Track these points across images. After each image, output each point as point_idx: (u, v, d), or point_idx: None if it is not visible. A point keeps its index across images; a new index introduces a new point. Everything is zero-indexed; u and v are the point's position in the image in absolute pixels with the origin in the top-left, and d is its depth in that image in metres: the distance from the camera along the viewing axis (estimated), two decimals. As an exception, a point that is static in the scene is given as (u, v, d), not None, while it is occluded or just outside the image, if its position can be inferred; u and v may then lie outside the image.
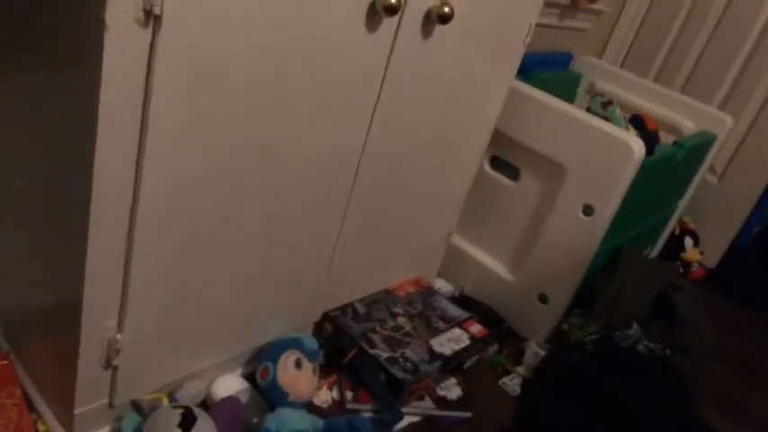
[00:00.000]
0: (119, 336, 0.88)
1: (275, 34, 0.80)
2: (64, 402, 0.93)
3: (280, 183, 0.96)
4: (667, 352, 1.46)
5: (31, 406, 0.98)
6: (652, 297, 1.54)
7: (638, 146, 1.26)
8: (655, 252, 1.95)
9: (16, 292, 1.03)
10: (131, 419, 0.93)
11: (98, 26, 0.65)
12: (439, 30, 1.03)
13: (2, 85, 0.91)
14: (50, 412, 0.97)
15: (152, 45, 0.70)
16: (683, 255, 2.02)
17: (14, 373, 1.00)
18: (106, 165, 0.73)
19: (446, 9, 0.97)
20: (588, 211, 1.34)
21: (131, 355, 0.91)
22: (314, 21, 0.84)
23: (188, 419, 0.89)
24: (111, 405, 0.95)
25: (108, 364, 0.90)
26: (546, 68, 1.72)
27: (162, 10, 0.68)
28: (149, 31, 0.69)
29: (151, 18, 0.68)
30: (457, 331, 1.34)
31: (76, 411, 0.91)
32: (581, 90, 1.94)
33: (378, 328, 1.27)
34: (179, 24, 0.70)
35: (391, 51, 0.98)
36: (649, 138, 1.47)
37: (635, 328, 1.44)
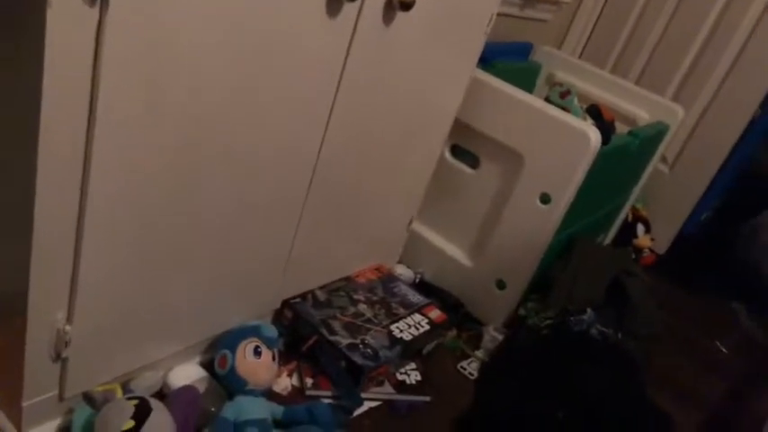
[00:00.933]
0: (68, 327, 0.85)
1: (231, 19, 0.78)
2: (11, 395, 0.89)
3: (237, 171, 0.94)
4: (619, 336, 1.51)
5: (-24, 399, 0.94)
6: (606, 283, 1.58)
7: (594, 135, 1.29)
8: (608, 238, 2.00)
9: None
10: (83, 412, 0.91)
11: (41, 3, 0.62)
12: (400, 17, 1.02)
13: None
14: (-3, 405, 0.94)
15: (99, 26, 0.67)
16: (635, 241, 2.08)
17: (-42, 365, 0.96)
18: (51, 150, 0.70)
19: (407, -5, 0.96)
20: (545, 199, 1.36)
21: (82, 347, 0.89)
22: (273, 5, 0.82)
23: (142, 411, 0.87)
24: (61, 397, 0.92)
25: (57, 357, 0.87)
26: (506, 58, 1.74)
27: (110, -12, 0.65)
28: (96, 9, 0.66)
29: (98, -3, 0.65)
30: (417, 317, 1.35)
31: (24, 404, 0.88)
32: (540, 80, 1.96)
33: (338, 315, 1.27)
34: (129, 4, 0.67)
35: (352, 38, 0.96)
36: (605, 127, 1.50)
37: (589, 313, 1.48)
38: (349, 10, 0.92)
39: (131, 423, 0.84)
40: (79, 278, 0.82)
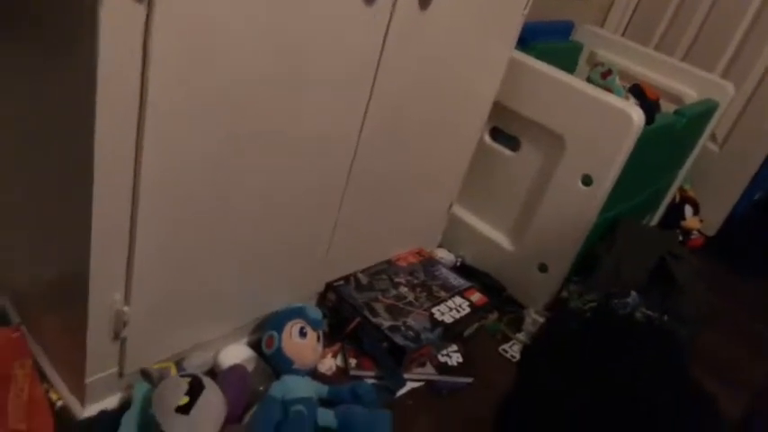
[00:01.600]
0: (126, 308, 0.90)
1: (273, 9, 0.81)
2: (75, 372, 0.96)
3: (280, 158, 0.97)
4: (665, 319, 1.49)
5: (43, 376, 1.01)
6: (650, 265, 1.56)
7: (637, 115, 1.27)
8: (655, 220, 1.96)
9: (26, 265, 1.06)
10: (141, 387, 0.96)
11: (92, 2, 0.65)
12: (437, 1, 1.02)
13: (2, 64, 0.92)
14: (62, 382, 1.01)
15: (147, 21, 0.70)
16: (683, 223, 2.03)
17: (26, 344, 1.03)
18: (106, 142, 0.74)
19: (444, -21, 0.97)
20: (587, 181, 1.35)
21: (139, 327, 0.94)
22: (311, -7, 0.84)
23: (196, 387, 0.91)
24: (120, 374, 0.98)
25: (116, 336, 0.92)
26: (546, 38, 1.71)
27: (157, -15, 0.68)
28: (144, 5, 0.69)
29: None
30: (458, 300, 1.37)
31: (87, 380, 0.94)
32: (582, 60, 1.93)
33: (380, 298, 1.29)
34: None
35: (389, 23, 0.98)
36: (650, 107, 1.47)
37: (633, 296, 1.46)
38: (386, -4, 0.94)
39: (186, 399, 0.89)
40: (135, 261, 0.86)
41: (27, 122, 0.90)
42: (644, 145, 1.33)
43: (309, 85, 0.93)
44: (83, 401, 0.97)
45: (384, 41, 0.99)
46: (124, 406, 0.97)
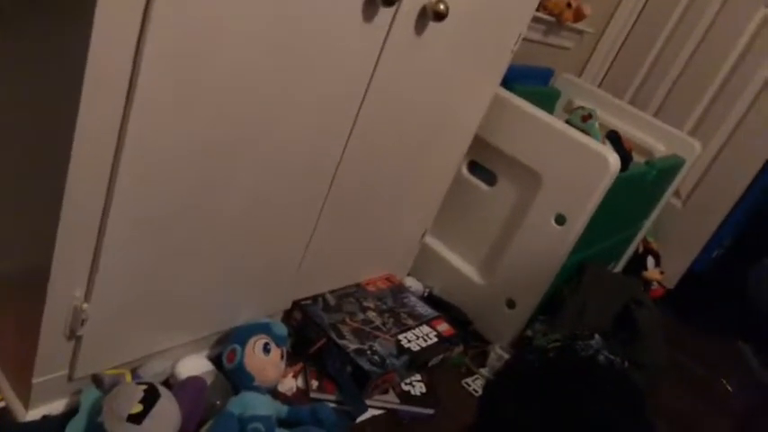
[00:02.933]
0: (85, 305, 0.86)
1: (270, 13, 0.80)
2: (21, 371, 0.90)
3: (260, 169, 0.95)
4: (625, 364, 1.50)
5: (-15, 374, 0.95)
6: (615, 310, 1.58)
7: (614, 160, 1.30)
8: (618, 268, 2.00)
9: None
10: (91, 393, 0.91)
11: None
12: (432, 27, 1.04)
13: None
14: (6, 381, 0.95)
15: (145, 12, 0.68)
16: (645, 273, 2.08)
17: (-30, 339, 0.97)
18: (88, 126, 0.72)
19: (441, 6, 0.98)
20: (560, 220, 1.37)
21: (96, 327, 0.89)
22: (311, 4, 0.84)
23: (150, 396, 0.87)
24: (70, 377, 0.92)
25: (72, 334, 0.88)
26: (527, 82, 1.76)
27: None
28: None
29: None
30: (425, 329, 1.35)
31: (34, 381, 0.88)
32: (559, 106, 1.98)
33: (347, 320, 1.27)
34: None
35: (384, 43, 0.98)
36: (624, 155, 1.51)
37: (596, 339, 1.47)
38: (384, 15, 0.94)
39: (140, 407, 0.84)
40: (101, 258, 0.82)
41: (9, 104, 0.86)
42: (616, 191, 1.36)
43: (298, 98, 0.92)
44: (26, 404, 0.91)
45: (377, 61, 0.99)
46: (69, 412, 0.92)
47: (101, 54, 0.68)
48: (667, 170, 1.72)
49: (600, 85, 2.20)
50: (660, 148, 1.83)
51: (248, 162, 0.92)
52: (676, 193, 2.11)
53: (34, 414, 0.91)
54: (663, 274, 2.11)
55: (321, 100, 0.96)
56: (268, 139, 0.92)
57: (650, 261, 2.11)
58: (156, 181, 0.82)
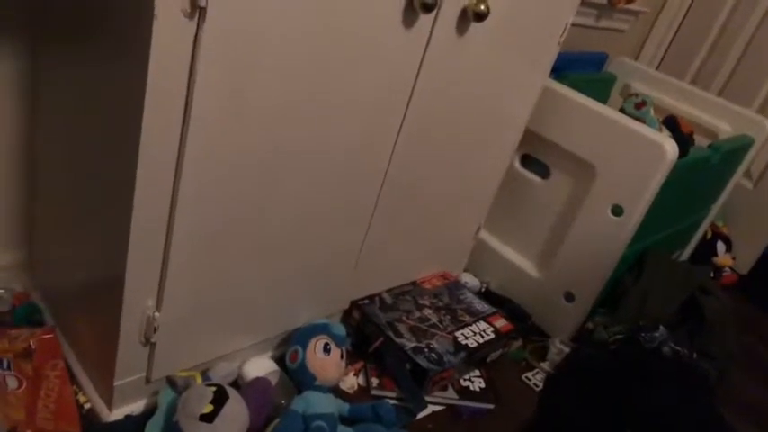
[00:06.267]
0: (157, 314, 0.92)
1: (313, 28, 0.83)
2: (104, 375, 0.98)
3: (313, 175, 0.99)
4: (693, 356, 1.46)
5: (72, 378, 1.03)
6: (680, 300, 1.53)
7: (670, 147, 1.26)
8: (685, 255, 1.93)
9: (62, 269, 1.09)
10: (167, 394, 0.98)
11: (148, 16, 0.69)
12: (474, 27, 1.04)
13: (57, 71, 0.97)
14: (91, 384, 1.03)
15: (196, 36, 0.73)
16: (715, 259, 2.00)
17: (58, 346, 1.06)
18: (150, 150, 0.77)
19: (482, 7, 0.99)
20: (617, 211, 1.34)
21: (168, 334, 0.95)
22: (352, 15, 0.86)
23: (220, 396, 0.92)
24: (148, 380, 0.99)
25: (146, 341, 0.94)
26: (580, 69, 1.72)
27: (207, 2, 0.71)
28: (194, 22, 0.72)
29: (197, 10, 0.71)
30: (482, 325, 1.36)
31: (116, 383, 0.96)
32: (615, 92, 1.93)
33: (404, 319, 1.30)
34: (222, 16, 0.73)
35: (426, 48, 1.00)
36: (683, 140, 1.46)
37: (661, 330, 1.43)
38: (424, 21, 0.96)
39: (210, 407, 0.90)
40: (169, 268, 0.88)
41: (79, 125, 0.94)
42: (676, 178, 1.32)
43: (347, 104, 0.95)
44: (110, 405, 0.98)
45: (420, 64, 1.01)
46: (149, 412, 0.99)
47: (158, 80, 0.73)
48: (734, 151, 1.65)
49: (658, 68, 2.12)
50: (726, 129, 1.76)
51: (301, 168, 0.96)
52: (747, 174, 2.01)
53: (117, 414, 0.99)
54: (734, 259, 2.02)
55: (367, 105, 0.98)
56: (318, 145, 0.96)
57: (720, 246, 2.03)
58: (214, 193, 0.87)
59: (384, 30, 0.92)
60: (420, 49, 0.99)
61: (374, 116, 1.01)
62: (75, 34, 0.89)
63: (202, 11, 0.71)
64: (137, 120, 0.75)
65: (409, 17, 0.93)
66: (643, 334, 1.43)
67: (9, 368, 0.96)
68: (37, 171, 1.09)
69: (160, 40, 0.70)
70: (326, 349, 1.11)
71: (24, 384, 0.95)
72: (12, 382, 0.94)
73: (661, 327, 1.45)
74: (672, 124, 1.57)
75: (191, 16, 0.72)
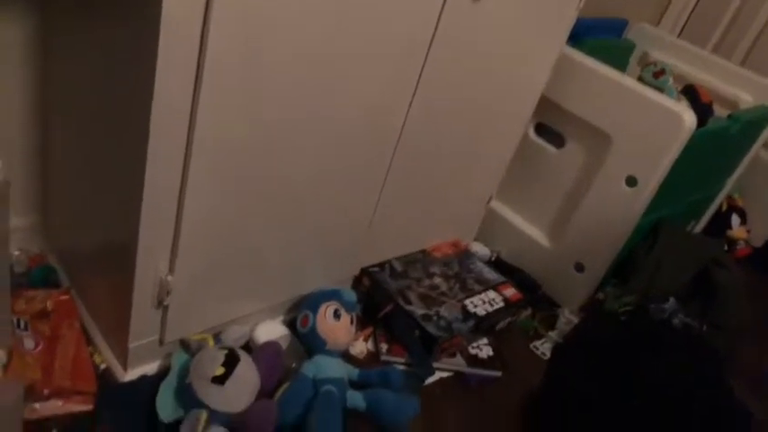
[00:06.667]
0: (170, 277, 0.93)
1: (327, -9, 0.82)
2: (119, 337, 1.00)
3: (325, 140, 0.98)
4: (704, 328, 1.45)
5: (89, 339, 1.05)
6: (692, 272, 1.52)
7: (688, 117, 1.24)
8: (699, 227, 1.91)
9: (77, 231, 1.10)
10: (180, 356, 1.00)
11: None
12: (490, -9, 1.02)
13: (68, 34, 0.96)
14: (106, 345, 1.05)
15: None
16: (729, 232, 1.98)
17: (74, 307, 1.08)
18: (162, 110, 0.77)
19: (499, -30, 0.96)
20: (632, 181, 1.33)
21: (181, 297, 0.97)
22: (366, -22, 0.85)
23: (231, 359, 0.94)
24: (161, 342, 1.01)
25: (159, 304, 0.96)
26: (599, 35, 1.68)
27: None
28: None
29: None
30: (491, 294, 1.36)
31: (130, 345, 0.98)
32: (633, 59, 1.88)
33: (414, 286, 1.30)
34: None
35: (440, 13, 0.98)
36: (702, 109, 1.44)
37: (671, 302, 1.43)
38: (440, -17, 0.94)
39: (222, 369, 0.92)
40: (181, 231, 0.89)
41: (91, 87, 0.94)
42: (694, 148, 1.30)
43: (358, 68, 0.94)
44: (125, 365, 1.01)
45: (435, 29, 0.99)
46: (163, 373, 1.01)
47: (172, 30, 0.71)
48: (754, 122, 1.61)
49: (679, 35, 2.07)
50: (747, 99, 1.71)
51: (313, 130, 0.95)
52: (766, 146, 1.97)
53: (132, 374, 1.02)
54: (749, 232, 2.00)
55: (380, 67, 0.96)
56: (330, 110, 0.95)
57: (735, 219, 2.00)
58: (227, 153, 0.87)
59: (398, -7, 0.90)
60: (434, 15, 0.97)
61: (389, 79, 0.99)
62: (86, -5, 0.89)
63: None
64: (149, 78, 0.74)
65: (424, -21, 0.91)
66: (653, 305, 1.43)
67: (26, 329, 0.98)
68: (51, 136, 1.09)
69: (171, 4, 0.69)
70: (337, 315, 1.12)
71: (41, 344, 0.97)
72: (29, 343, 0.96)
73: (671, 298, 1.44)
74: (691, 93, 1.54)
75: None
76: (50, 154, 1.11)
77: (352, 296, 1.17)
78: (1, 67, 1.00)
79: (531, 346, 1.39)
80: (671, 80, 1.58)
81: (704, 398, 1.22)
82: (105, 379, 1.00)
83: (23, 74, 1.03)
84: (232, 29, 0.76)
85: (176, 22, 0.71)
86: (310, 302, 1.14)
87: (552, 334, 1.42)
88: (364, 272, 1.30)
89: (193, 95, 0.78)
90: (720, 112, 1.64)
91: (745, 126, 1.53)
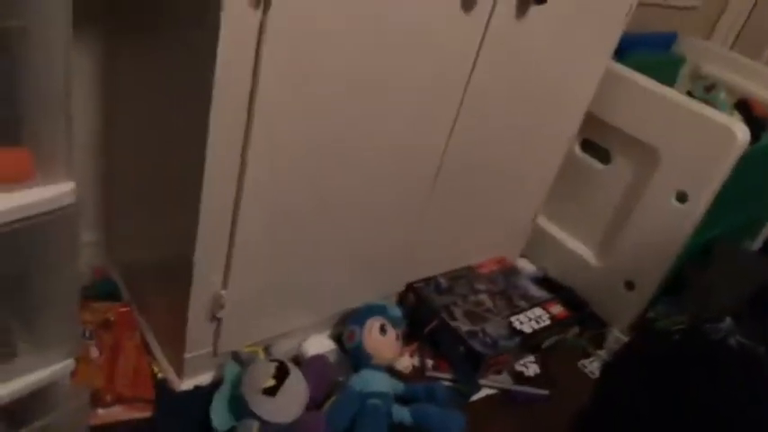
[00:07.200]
0: (223, 292, 0.97)
1: (372, 13, 0.85)
2: (175, 348, 1.04)
3: (372, 158, 1.01)
4: (762, 349, 1.40)
5: (147, 350, 1.10)
6: (749, 292, 1.47)
7: (741, 131, 1.21)
8: (756, 245, 1.84)
9: (137, 247, 1.16)
10: (232, 368, 1.03)
11: (216, 4, 0.72)
12: (534, 10, 1.03)
13: (130, 63, 1.03)
14: (163, 356, 1.10)
15: (261, 25, 0.76)
16: (788, 250, 1.90)
17: (134, 319, 1.13)
18: (218, 135, 0.81)
19: (542, -10, 0.97)
20: (682, 198, 1.30)
21: (233, 310, 1.01)
22: (412, 1, 0.87)
23: (282, 372, 0.97)
24: (215, 353, 1.05)
25: (213, 317, 1.00)
26: (647, 49, 1.66)
27: (271, -7, 0.73)
28: (259, 11, 0.75)
29: (261, 0, 0.74)
30: (538, 311, 1.36)
31: (186, 356, 1.02)
32: (683, 73, 1.85)
33: (459, 302, 1.31)
34: (285, 5, 0.76)
35: (485, 31, 0.99)
36: (756, 124, 1.40)
37: (727, 322, 1.38)
38: (483, 4, 0.96)
39: (273, 381, 0.95)
40: (235, 249, 0.93)
41: (151, 113, 1.00)
42: (747, 164, 1.26)
43: (404, 90, 0.96)
44: (180, 375, 1.05)
45: (479, 48, 1.01)
46: (216, 383, 1.05)
47: (225, 68, 0.76)
48: (812, 136, 1.56)
49: (732, 47, 2.02)
50: (805, 112, 1.66)
51: (361, 152, 0.98)
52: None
53: (188, 384, 1.06)
54: (811, 250, 1.91)
55: (424, 90, 0.99)
56: (377, 130, 0.98)
57: (795, 236, 1.92)
58: (279, 176, 0.91)
59: (443, 14, 0.92)
60: (479, 33, 0.99)
61: (431, 101, 1.02)
62: (147, 27, 0.95)
63: (267, 1, 0.74)
64: (205, 106, 0.79)
65: (468, 1, 0.93)
66: (708, 325, 1.39)
67: (91, 338, 1.04)
68: (114, 155, 1.16)
69: (227, 29, 0.74)
70: (383, 330, 1.14)
71: (104, 353, 1.03)
72: (93, 351, 1.02)
73: (728, 318, 1.39)
74: (744, 107, 1.50)
75: (256, 6, 0.75)
76: (115, 176, 1.18)
77: (397, 312, 1.18)
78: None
79: (579, 364, 1.37)
80: (723, 94, 1.54)
81: (758, 420, 1.17)
82: (163, 388, 1.05)
83: (91, 101, 1.10)
84: (282, 63, 0.80)
85: (231, 56, 0.76)
86: (357, 318, 1.17)
87: (601, 353, 1.40)
88: (410, 287, 1.32)
89: (246, 125, 0.83)
90: (777, 125, 1.59)
91: (803, 140, 1.48)
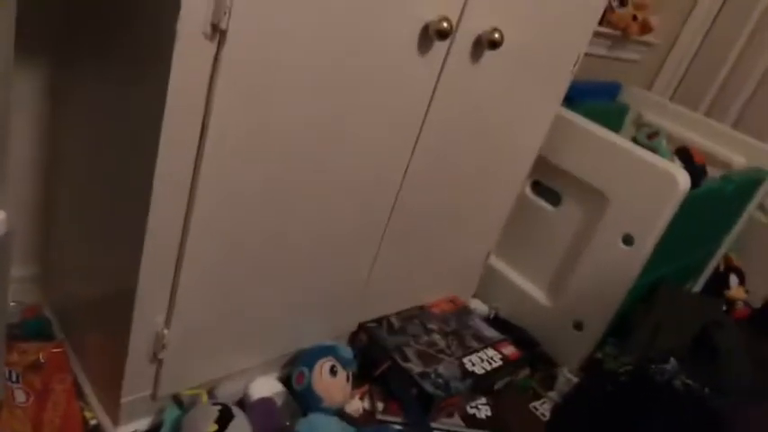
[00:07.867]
0: (166, 331, 0.92)
1: (330, 52, 0.85)
2: (111, 391, 0.98)
3: (324, 199, 1.00)
4: (705, 390, 1.43)
5: (79, 393, 1.03)
6: (692, 332, 1.51)
7: (682, 177, 1.26)
8: (697, 287, 1.91)
9: (75, 284, 1.10)
10: (172, 412, 0.98)
11: (169, 36, 0.70)
12: (488, 55, 1.06)
13: (77, 89, 0.99)
14: (97, 401, 1.03)
15: (216, 57, 0.75)
16: (727, 292, 1.97)
17: (67, 361, 1.06)
18: (166, 168, 0.78)
19: (496, 35, 1.00)
20: (629, 240, 1.34)
21: (176, 351, 0.96)
22: (368, 41, 0.88)
23: (225, 416, 0.93)
24: (154, 397, 0.99)
25: (154, 358, 0.95)
26: (593, 98, 1.73)
27: (228, 25, 0.72)
28: (215, 44, 0.74)
29: (217, 32, 0.73)
30: (490, 352, 1.35)
31: (123, 400, 0.96)
32: (627, 121, 1.93)
33: (411, 343, 1.29)
34: (241, 39, 0.75)
35: (440, 74, 1.01)
36: (696, 170, 1.46)
37: (672, 363, 1.41)
38: (439, 48, 0.97)
39: (215, 426, 0.90)
40: (179, 286, 0.89)
41: (96, 142, 0.96)
42: (689, 209, 1.31)
43: (359, 130, 0.96)
44: (115, 421, 0.98)
45: (434, 91, 1.02)
46: (154, 429, 0.99)
47: (177, 99, 0.74)
48: (747, 183, 1.64)
49: (672, 98, 2.13)
50: (740, 161, 1.75)
51: (313, 192, 0.97)
52: (761, 207, 1.99)
53: (123, 431, 0.99)
54: (748, 292, 1.99)
55: (380, 130, 0.99)
56: (332, 167, 0.97)
57: (733, 279, 2.00)
58: (227, 213, 0.88)
59: (399, 56, 0.93)
60: (434, 76, 1.01)
61: (387, 141, 1.02)
62: (97, 53, 0.92)
63: (223, 33, 0.73)
64: (154, 138, 0.76)
65: (424, 44, 0.94)
66: (654, 366, 1.41)
67: (18, 381, 0.97)
68: (53, 186, 1.11)
69: (181, 59, 0.72)
70: (333, 372, 1.10)
71: (32, 398, 0.96)
72: (20, 396, 0.95)
73: (672, 359, 1.42)
74: (684, 155, 1.57)
75: (211, 38, 0.73)
76: (52, 207, 1.12)
77: (348, 352, 1.15)
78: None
79: (531, 406, 1.36)
80: (665, 141, 1.61)
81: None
82: (95, 435, 0.98)
83: (30, 128, 1.05)
84: (236, 97, 0.78)
85: (182, 88, 0.74)
86: (306, 359, 1.13)
87: (551, 394, 1.40)
88: (361, 327, 1.29)
89: (196, 159, 0.80)
90: (714, 173, 1.67)
91: (739, 187, 1.56)
